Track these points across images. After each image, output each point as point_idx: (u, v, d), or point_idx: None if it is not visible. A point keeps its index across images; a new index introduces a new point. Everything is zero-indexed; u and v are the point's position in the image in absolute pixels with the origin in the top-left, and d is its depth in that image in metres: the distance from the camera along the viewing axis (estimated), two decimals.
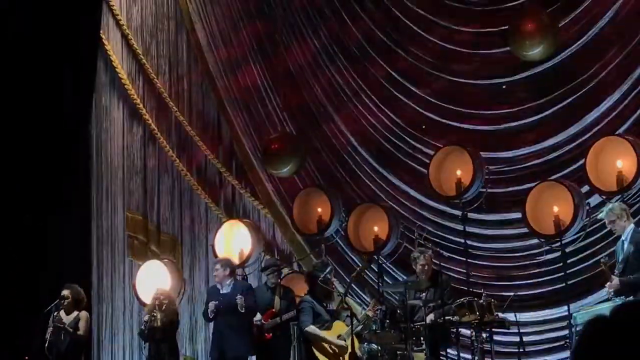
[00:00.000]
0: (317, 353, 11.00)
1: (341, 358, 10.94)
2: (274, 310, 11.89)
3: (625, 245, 9.90)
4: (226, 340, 11.85)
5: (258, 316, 11.91)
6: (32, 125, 14.36)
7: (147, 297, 13.37)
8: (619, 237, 10.14)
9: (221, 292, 11.99)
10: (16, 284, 13.83)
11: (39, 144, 14.41)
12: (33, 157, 14.30)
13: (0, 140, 14.16)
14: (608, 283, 9.83)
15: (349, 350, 10.83)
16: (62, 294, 12.21)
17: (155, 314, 11.95)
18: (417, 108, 13.10)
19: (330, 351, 10.97)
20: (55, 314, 12.18)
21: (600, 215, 10.33)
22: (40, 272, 14.01)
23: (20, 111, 14.25)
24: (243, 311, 11.62)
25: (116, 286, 15.02)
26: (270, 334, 11.86)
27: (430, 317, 10.74)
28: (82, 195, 15.17)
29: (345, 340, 10.90)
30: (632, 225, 10.02)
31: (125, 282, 14.89)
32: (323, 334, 10.99)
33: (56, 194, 14.51)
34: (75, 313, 12.26)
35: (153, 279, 13.54)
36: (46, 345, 12.09)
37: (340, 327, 11.07)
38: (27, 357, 12.77)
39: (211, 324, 12.31)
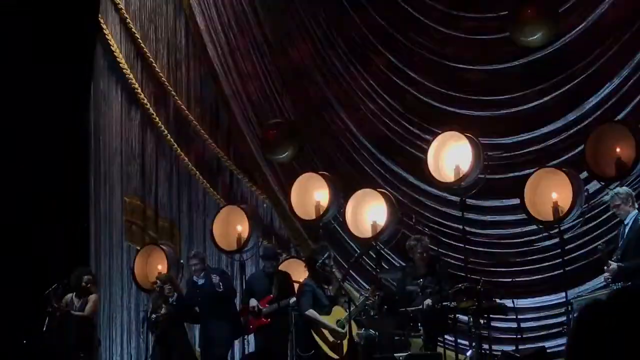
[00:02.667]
0: (316, 337, 10.98)
1: (339, 344, 10.94)
2: (271, 295, 11.90)
3: (627, 231, 9.88)
4: (210, 328, 12.08)
5: (254, 301, 11.94)
6: (30, 110, 14.32)
7: (144, 281, 13.40)
8: (619, 223, 10.13)
9: (198, 284, 12.23)
10: (14, 268, 13.83)
11: (37, 128, 14.37)
12: (31, 142, 14.27)
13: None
14: (605, 267, 9.82)
15: (347, 336, 10.83)
16: (80, 278, 12.29)
17: (159, 302, 12.04)
18: (416, 94, 13.08)
19: (329, 337, 10.96)
20: (55, 298, 12.21)
21: (605, 199, 10.33)
22: (39, 255, 14.01)
23: (18, 95, 14.21)
24: (221, 290, 11.77)
25: (114, 271, 15.02)
26: (269, 319, 11.87)
27: (427, 302, 10.73)
28: (80, 180, 15.14)
29: (344, 326, 10.89)
30: (635, 212, 10.01)
31: (123, 267, 14.88)
32: (322, 319, 10.98)
33: (53, 177, 14.48)
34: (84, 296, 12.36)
35: (151, 263, 13.57)
36: (44, 329, 12.11)
37: (339, 312, 11.06)
38: (24, 341, 12.79)
39: None
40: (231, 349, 12.68)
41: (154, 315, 12.14)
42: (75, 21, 14.58)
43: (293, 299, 11.56)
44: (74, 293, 12.38)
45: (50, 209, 14.06)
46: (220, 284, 12.11)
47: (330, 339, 10.94)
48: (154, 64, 15.01)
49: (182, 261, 13.67)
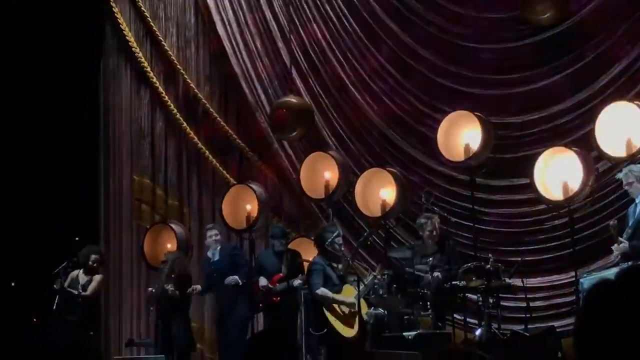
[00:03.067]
0: (328, 315, 10.96)
1: (352, 318, 10.92)
2: (281, 274, 11.91)
3: (638, 210, 9.84)
4: (225, 305, 12.06)
5: (264, 280, 11.95)
6: (40, 89, 14.32)
7: (154, 260, 13.41)
8: (629, 203, 10.10)
9: (212, 260, 12.37)
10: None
11: (46, 108, 14.38)
12: (41, 121, 14.28)
13: (8, 104, 14.14)
14: (615, 245, 9.78)
15: (357, 315, 10.82)
16: (88, 257, 12.30)
17: (168, 280, 12.06)
18: (427, 73, 13.05)
19: (342, 313, 10.95)
20: (64, 276, 12.24)
21: (619, 176, 10.28)
22: (48, 234, 14.04)
23: (28, 75, 14.21)
24: (241, 284, 11.96)
25: (124, 250, 15.03)
26: (278, 298, 11.88)
27: (436, 274, 10.73)
28: (89, 159, 15.16)
29: (354, 305, 10.87)
30: None
31: (132, 246, 14.89)
32: (335, 295, 10.97)
33: (62, 157, 14.50)
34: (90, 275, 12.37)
35: (160, 243, 13.59)
36: (54, 307, 12.14)
37: (349, 291, 11.05)
38: (35, 320, 12.84)
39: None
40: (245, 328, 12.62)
41: (151, 290, 12.22)
42: (85, 1, 14.61)
43: (303, 278, 11.57)
44: (82, 270, 12.38)
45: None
46: (238, 281, 12.11)
47: (346, 311, 10.90)
48: (163, 43, 14.98)
49: (191, 242, 13.67)
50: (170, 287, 12.01)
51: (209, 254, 12.53)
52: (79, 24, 14.56)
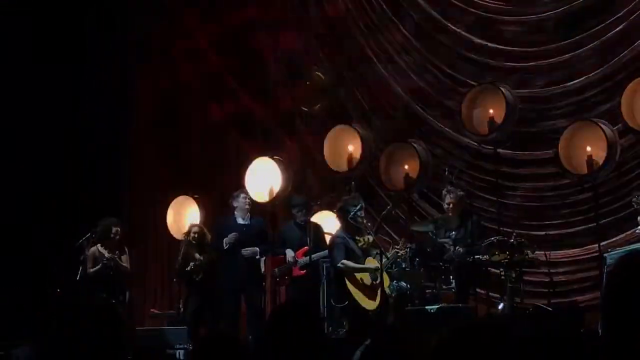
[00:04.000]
0: (350, 287, 10.98)
1: (375, 290, 10.93)
2: (307, 248, 11.91)
3: None
4: (244, 271, 12.00)
5: (291, 252, 11.96)
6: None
7: (177, 233, 13.43)
8: None
9: (240, 222, 12.19)
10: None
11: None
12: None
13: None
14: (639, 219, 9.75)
15: (379, 288, 10.83)
16: (109, 229, 12.30)
17: (192, 253, 12.06)
18: (451, 46, 12.98)
19: (364, 285, 10.97)
20: (88, 247, 12.28)
21: None
22: (72, 207, 14.09)
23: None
24: (258, 257, 12.04)
25: (147, 222, 15.08)
26: (304, 271, 11.89)
27: (458, 249, 10.73)
28: (112, 131, 15.20)
29: (377, 278, 10.89)
30: None
31: (156, 218, 14.93)
32: (357, 265, 10.97)
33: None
34: (117, 249, 12.38)
35: (184, 215, 13.61)
36: (78, 278, 12.20)
37: (371, 263, 11.07)
38: (59, 290, 12.89)
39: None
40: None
41: (191, 264, 12.15)
42: None
43: (325, 252, 11.58)
44: (98, 245, 12.32)
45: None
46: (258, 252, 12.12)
47: (368, 282, 10.93)
48: (188, 15, 14.97)
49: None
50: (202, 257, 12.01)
51: (239, 218, 12.38)
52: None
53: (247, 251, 12.05)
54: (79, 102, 14.79)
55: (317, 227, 12.13)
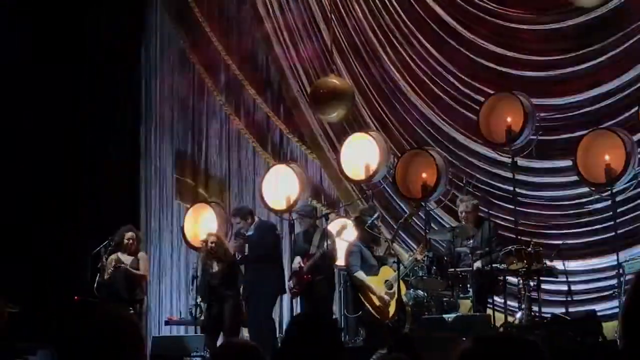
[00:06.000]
0: (362, 299, 11.02)
1: (385, 309, 10.96)
2: (310, 253, 11.92)
3: None
4: (254, 279, 11.99)
5: (297, 259, 11.97)
6: (81, 65, 14.39)
7: (194, 240, 13.43)
8: None
9: (247, 234, 12.24)
10: (65, 224, 13.95)
11: (88, 84, 14.44)
12: (82, 99, 14.35)
13: (49, 79, 14.21)
14: None
15: (396, 296, 10.82)
16: (123, 236, 12.33)
17: (210, 264, 12.03)
18: (468, 53, 12.95)
19: (375, 302, 11.00)
20: (105, 255, 12.31)
21: None
22: (89, 213, 14.11)
23: (69, 49, 14.29)
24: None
25: (164, 228, 15.12)
26: (309, 276, 11.86)
27: (477, 265, 10.71)
28: (130, 137, 15.24)
29: (392, 286, 10.89)
30: None
31: (173, 225, 14.97)
32: (369, 283, 11.00)
33: (105, 134, 14.57)
34: (132, 255, 12.38)
35: (201, 222, 13.62)
36: (95, 286, 12.23)
37: (387, 272, 11.08)
38: (76, 297, 12.92)
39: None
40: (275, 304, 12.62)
41: (208, 277, 12.11)
42: None
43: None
44: (119, 253, 12.36)
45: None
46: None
47: (377, 303, 10.97)
48: (204, 22, 14.99)
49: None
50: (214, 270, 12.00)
51: (242, 230, 12.44)
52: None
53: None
54: (80, 102, 14.81)
55: (325, 232, 12.06)
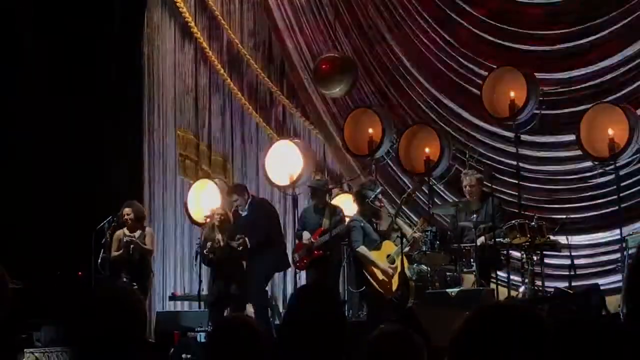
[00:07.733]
0: (366, 274, 11.03)
1: (388, 282, 10.97)
2: (322, 228, 11.89)
3: None
4: (249, 259, 11.98)
5: (307, 235, 11.94)
6: (83, 43, 14.36)
7: (198, 216, 13.44)
8: None
9: (242, 215, 12.21)
10: (70, 201, 13.94)
11: (90, 62, 14.42)
12: (85, 76, 14.32)
13: (52, 57, 14.20)
14: None
15: (399, 270, 10.84)
16: (122, 212, 12.31)
17: (213, 235, 12.02)
18: (471, 28, 12.91)
19: (379, 275, 11.00)
20: (109, 231, 12.32)
21: None
22: (93, 190, 14.11)
23: (71, 29, 14.26)
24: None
25: (167, 205, 15.13)
26: (321, 251, 11.85)
27: (480, 240, 10.71)
28: (133, 114, 15.21)
29: (394, 261, 10.90)
30: None
31: (176, 201, 14.98)
32: (373, 257, 11.00)
33: (108, 112, 14.55)
34: (139, 230, 12.37)
35: (204, 198, 13.62)
36: (99, 262, 12.23)
37: (389, 246, 11.07)
38: (80, 273, 12.96)
39: None
40: (271, 281, 12.61)
41: (209, 244, 12.06)
42: None
43: (343, 227, 11.54)
44: (125, 228, 12.35)
45: (54, 185, 14.10)
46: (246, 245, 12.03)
47: (380, 277, 10.97)
48: None
49: None
50: (235, 242, 11.95)
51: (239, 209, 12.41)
52: None
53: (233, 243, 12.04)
54: (82, 80, 14.74)
55: (337, 209, 12.04)
